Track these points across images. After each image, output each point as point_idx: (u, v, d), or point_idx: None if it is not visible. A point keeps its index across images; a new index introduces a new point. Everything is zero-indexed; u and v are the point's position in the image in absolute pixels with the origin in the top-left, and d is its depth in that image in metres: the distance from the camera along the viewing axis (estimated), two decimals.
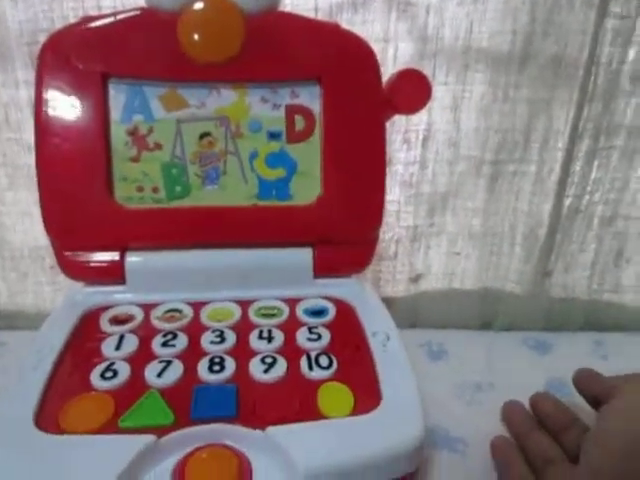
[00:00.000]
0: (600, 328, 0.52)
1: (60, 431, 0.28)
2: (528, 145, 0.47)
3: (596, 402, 0.33)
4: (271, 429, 0.28)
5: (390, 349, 0.35)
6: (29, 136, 0.44)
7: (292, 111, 0.39)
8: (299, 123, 0.39)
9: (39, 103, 0.36)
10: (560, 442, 0.34)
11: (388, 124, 0.40)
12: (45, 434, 0.28)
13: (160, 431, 0.28)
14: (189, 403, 0.30)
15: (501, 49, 0.44)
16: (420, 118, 0.46)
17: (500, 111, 0.46)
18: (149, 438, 0.28)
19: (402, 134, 0.47)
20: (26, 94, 0.44)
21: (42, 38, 0.36)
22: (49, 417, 0.29)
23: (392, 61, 0.44)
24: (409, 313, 0.53)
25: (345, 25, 0.38)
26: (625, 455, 0.27)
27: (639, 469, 0.26)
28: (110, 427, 0.29)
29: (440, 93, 0.46)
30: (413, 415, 0.31)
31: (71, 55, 0.36)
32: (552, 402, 0.38)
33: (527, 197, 0.49)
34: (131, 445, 0.27)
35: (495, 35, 0.44)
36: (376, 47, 0.38)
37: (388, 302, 0.41)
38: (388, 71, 0.39)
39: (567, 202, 0.49)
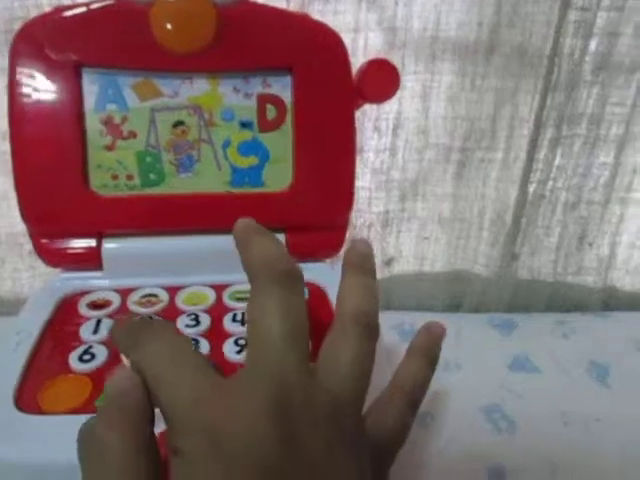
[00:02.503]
0: (564, 309, 0.55)
1: (39, 411, 0.29)
2: (495, 133, 0.49)
3: None
4: None
5: None
6: (3, 123, 0.44)
7: (264, 100, 0.40)
8: (271, 112, 0.40)
9: (13, 92, 0.36)
10: None
11: (359, 113, 0.41)
12: (25, 414, 0.29)
13: None
14: None
15: (468, 39, 0.45)
16: (390, 107, 0.48)
17: (467, 100, 0.48)
18: None
19: (373, 122, 0.48)
20: (1, 82, 0.44)
21: (17, 26, 0.37)
22: (28, 398, 0.30)
23: (362, 51, 0.46)
24: (382, 296, 0.54)
25: (317, 15, 0.39)
26: None
27: None
28: (88, 407, 0.30)
29: (409, 82, 0.47)
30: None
31: (44, 44, 0.36)
32: None
33: (494, 183, 0.51)
34: None
35: (462, 26, 0.45)
36: (347, 37, 0.39)
37: None
38: (359, 61, 0.40)
39: (532, 188, 0.51)
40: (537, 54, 0.46)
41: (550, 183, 0.51)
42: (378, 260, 0.54)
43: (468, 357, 0.47)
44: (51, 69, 0.37)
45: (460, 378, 0.44)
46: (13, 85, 0.36)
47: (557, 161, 0.50)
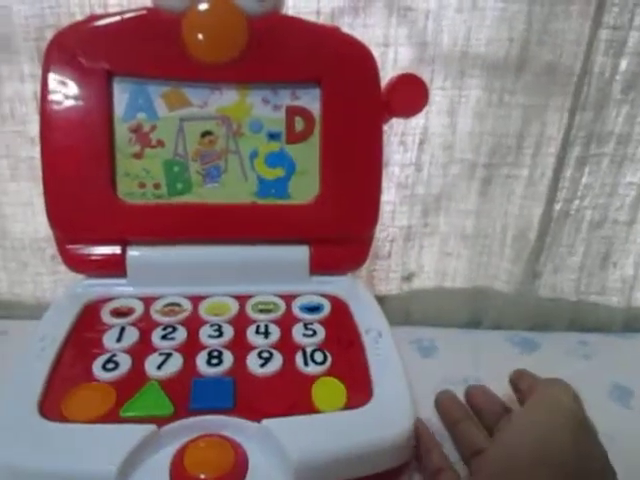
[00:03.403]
0: (586, 329, 0.54)
1: (63, 419, 0.29)
2: (521, 150, 0.49)
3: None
4: (266, 421, 0.30)
5: (382, 346, 0.37)
6: (32, 129, 0.44)
7: (292, 112, 0.40)
8: (299, 124, 0.40)
9: (44, 99, 0.37)
10: (492, 434, 0.34)
11: (386, 127, 0.41)
12: (49, 422, 0.29)
13: (160, 421, 0.29)
14: (188, 394, 0.31)
15: (497, 56, 0.45)
16: (417, 121, 0.47)
17: (495, 116, 0.47)
18: (150, 428, 0.29)
19: (399, 137, 0.48)
20: (31, 88, 0.44)
21: (48, 34, 0.37)
22: (52, 405, 0.30)
23: (392, 65, 0.45)
24: (401, 310, 0.54)
25: (346, 29, 0.39)
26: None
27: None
28: (112, 416, 0.30)
29: (437, 97, 0.47)
30: (403, 410, 0.32)
31: (77, 52, 0.37)
32: (482, 393, 0.37)
33: (518, 200, 0.51)
34: (132, 434, 0.28)
35: (492, 42, 0.45)
36: (376, 51, 0.39)
37: (381, 300, 0.42)
38: (388, 75, 0.40)
39: (557, 206, 0.50)
40: (567, 72, 0.45)
41: (576, 202, 0.50)
42: (399, 275, 0.54)
43: (488, 375, 0.46)
44: (83, 77, 0.37)
45: None
46: (45, 92, 0.37)
47: (584, 180, 0.49)
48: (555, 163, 0.48)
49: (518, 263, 0.53)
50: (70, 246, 0.39)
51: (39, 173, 0.37)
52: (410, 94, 0.39)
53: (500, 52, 0.45)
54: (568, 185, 0.50)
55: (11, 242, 0.50)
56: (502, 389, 0.43)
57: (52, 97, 0.37)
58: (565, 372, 0.47)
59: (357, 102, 0.39)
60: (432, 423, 0.39)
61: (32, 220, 0.49)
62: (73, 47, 0.37)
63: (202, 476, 0.27)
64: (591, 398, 0.45)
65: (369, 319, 0.39)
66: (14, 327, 0.47)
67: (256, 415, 0.30)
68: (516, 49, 0.45)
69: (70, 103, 0.37)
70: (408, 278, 0.54)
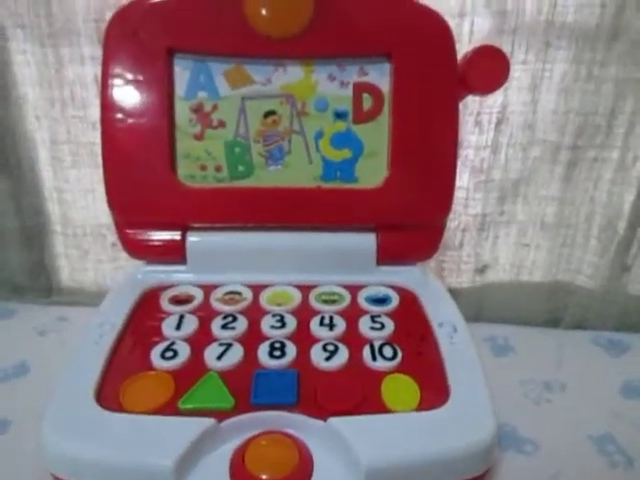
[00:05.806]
0: None
1: (121, 409, 0.28)
2: (611, 129, 0.44)
3: None
4: (333, 420, 0.27)
5: (458, 341, 0.34)
6: (93, 114, 0.44)
7: (360, 89, 0.37)
8: (367, 102, 0.37)
9: (105, 78, 0.36)
10: None
11: (460, 105, 0.38)
12: (106, 412, 0.28)
13: (220, 415, 0.28)
14: (249, 388, 0.29)
15: (588, 24, 0.41)
16: (495, 99, 0.44)
17: (582, 91, 0.43)
18: (209, 422, 0.27)
19: (474, 116, 0.44)
20: (91, 71, 0.44)
21: (109, 14, 0.36)
22: (110, 394, 0.29)
23: (468, 37, 0.42)
24: (473, 306, 0.50)
25: None
26: None
27: None
28: (170, 408, 0.28)
29: (517, 72, 0.43)
30: (484, 413, 0.29)
31: (137, 30, 0.35)
32: None
33: (607, 186, 0.46)
34: (191, 428, 0.27)
35: (582, 8, 0.41)
36: (451, 22, 0.36)
37: (452, 293, 0.39)
38: (463, 48, 0.37)
39: None
40: None
41: None
42: (471, 267, 0.51)
43: (572, 378, 0.42)
44: (144, 54, 0.36)
45: (564, 402, 0.40)
46: (105, 70, 0.36)
47: None
48: None
49: (604, 256, 0.48)
50: (129, 230, 0.39)
51: (100, 160, 0.36)
52: (489, 68, 0.36)
53: (591, 19, 0.41)
54: None
55: (73, 229, 0.50)
56: (591, 394, 0.39)
57: (112, 75, 0.36)
58: None
59: (431, 78, 0.37)
60: (510, 429, 0.36)
61: (93, 207, 0.49)
62: (133, 24, 0.36)
63: (264, 476, 0.25)
64: None
65: (442, 312, 0.36)
66: (75, 314, 0.47)
67: (321, 412, 0.28)
68: (609, 15, 0.40)
69: (131, 82, 0.36)
70: (481, 270, 0.51)
